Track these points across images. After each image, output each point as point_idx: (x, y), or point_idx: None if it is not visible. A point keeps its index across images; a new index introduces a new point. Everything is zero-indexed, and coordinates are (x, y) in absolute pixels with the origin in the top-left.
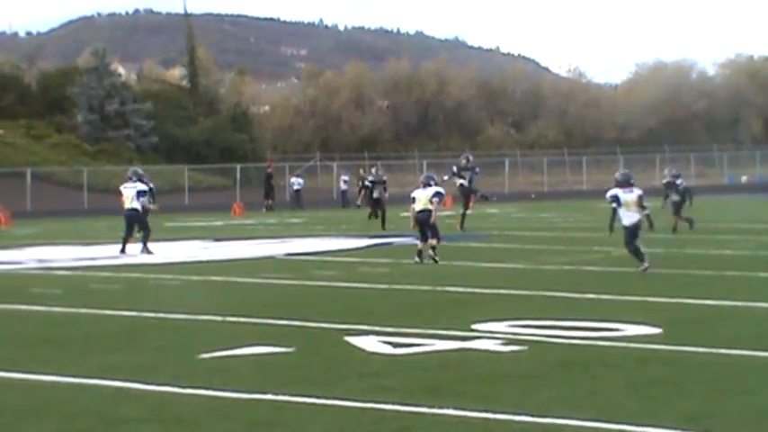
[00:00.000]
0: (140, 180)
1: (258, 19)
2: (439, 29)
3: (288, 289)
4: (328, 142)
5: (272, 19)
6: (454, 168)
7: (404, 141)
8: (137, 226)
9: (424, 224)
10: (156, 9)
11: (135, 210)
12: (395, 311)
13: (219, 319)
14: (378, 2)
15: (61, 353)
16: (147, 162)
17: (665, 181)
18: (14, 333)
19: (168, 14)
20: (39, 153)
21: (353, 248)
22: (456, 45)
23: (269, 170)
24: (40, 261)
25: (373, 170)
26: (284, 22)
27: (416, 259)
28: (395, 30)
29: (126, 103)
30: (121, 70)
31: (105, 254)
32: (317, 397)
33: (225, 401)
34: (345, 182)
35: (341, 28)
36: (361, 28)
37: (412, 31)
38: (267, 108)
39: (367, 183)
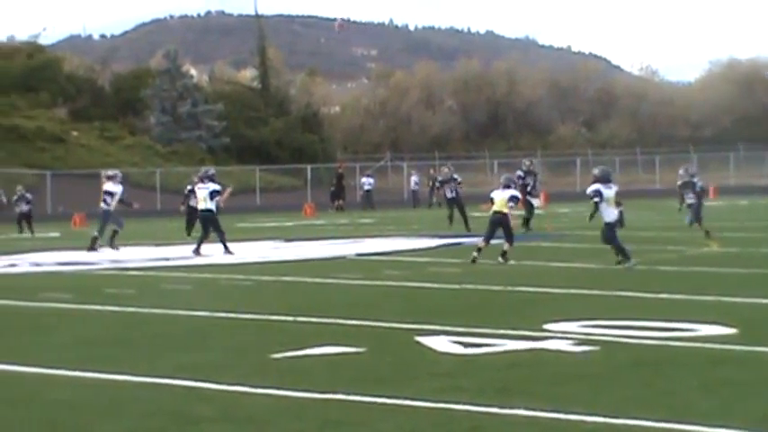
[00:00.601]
0: (212, 180)
1: (329, 20)
2: (509, 28)
3: (359, 289)
4: (398, 142)
5: (342, 19)
6: (519, 172)
7: (474, 141)
8: (210, 226)
9: (497, 226)
10: (227, 11)
11: (209, 210)
12: (466, 311)
13: (290, 319)
14: (448, 1)
15: (134, 352)
16: (218, 163)
17: (680, 182)
18: (88, 333)
19: (239, 16)
20: (112, 154)
21: (424, 248)
22: (527, 44)
23: (339, 170)
24: (114, 261)
25: (443, 169)
26: (354, 22)
27: (474, 254)
28: (465, 29)
29: (198, 105)
30: (193, 72)
31: (178, 254)
32: (388, 397)
33: (296, 401)
34: (416, 182)
35: (411, 28)
36: (432, 28)
37: (482, 31)
38: (337, 108)
39: (437, 183)
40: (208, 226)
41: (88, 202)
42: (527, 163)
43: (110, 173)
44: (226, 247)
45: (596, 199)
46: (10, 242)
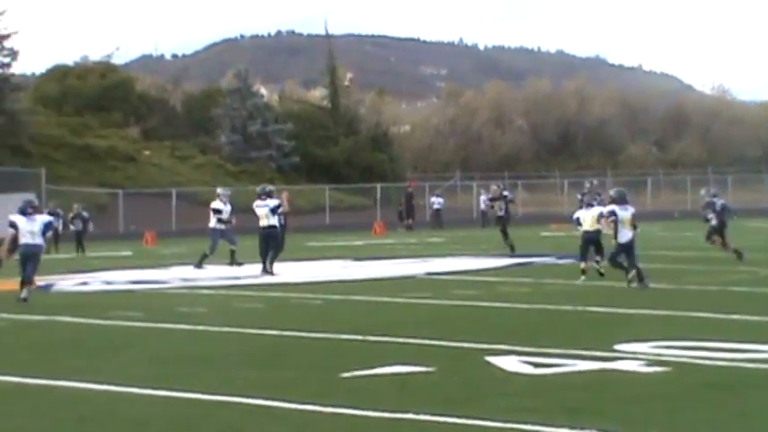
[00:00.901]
0: (270, 196)
1: (399, 39)
2: (580, 47)
3: (428, 308)
4: (468, 161)
5: (412, 39)
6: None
7: (544, 160)
8: (272, 243)
9: (591, 244)
10: (297, 30)
11: (273, 226)
12: (536, 331)
13: (360, 338)
14: (518, 21)
15: (205, 370)
16: (287, 182)
17: (704, 202)
18: (160, 351)
19: (309, 36)
20: (183, 173)
21: (494, 268)
22: (597, 63)
23: (409, 189)
24: (185, 280)
25: (492, 187)
26: (424, 41)
27: (582, 279)
28: (535, 48)
29: (268, 124)
30: (264, 91)
31: (248, 273)
32: (458, 416)
33: (366, 420)
34: (485, 201)
35: (481, 47)
36: (501, 47)
37: (552, 50)
38: (407, 128)
39: (487, 201)
40: (271, 242)
41: (159, 221)
42: (588, 185)
43: (219, 191)
44: (267, 268)
45: (612, 217)
46: (81, 261)
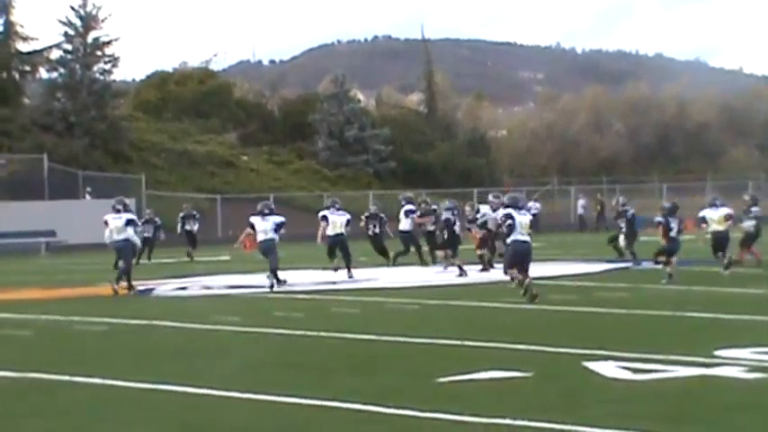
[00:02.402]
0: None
1: (495, 43)
2: (679, 50)
3: (525, 313)
4: (565, 166)
5: (509, 43)
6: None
7: (643, 164)
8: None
9: (723, 242)
10: (394, 35)
11: (342, 234)
12: (634, 337)
13: (457, 343)
14: (616, 24)
15: (304, 375)
16: (384, 187)
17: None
18: (259, 356)
19: (406, 40)
20: (281, 179)
21: (591, 273)
22: (697, 66)
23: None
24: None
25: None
26: (521, 45)
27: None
28: (634, 52)
29: (365, 129)
30: (360, 96)
31: (345, 278)
32: (556, 422)
33: (464, 426)
34: (583, 206)
35: (578, 51)
36: (599, 51)
37: (651, 53)
38: (504, 132)
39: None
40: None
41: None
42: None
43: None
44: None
45: (509, 221)
46: (180, 265)
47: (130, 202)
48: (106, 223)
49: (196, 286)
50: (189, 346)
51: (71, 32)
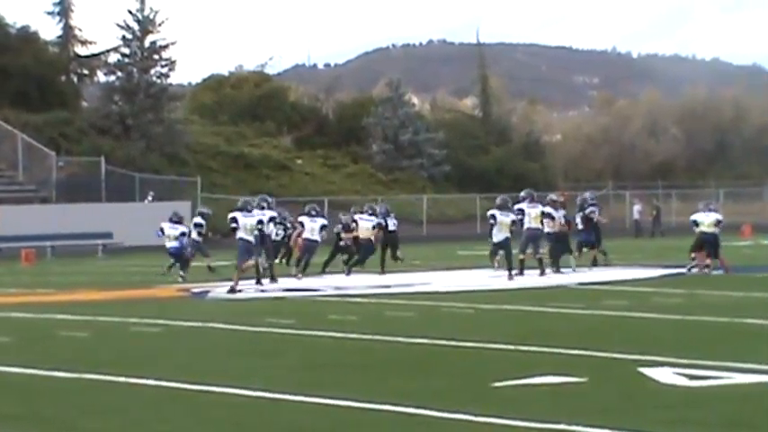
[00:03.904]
0: (374, 213)
1: (550, 47)
2: (736, 55)
3: (580, 318)
4: (621, 170)
5: (564, 47)
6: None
7: (699, 169)
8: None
9: (709, 243)
10: (449, 39)
11: (315, 240)
12: (690, 343)
13: (511, 347)
14: (672, 28)
15: (357, 378)
16: (438, 191)
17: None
18: (312, 358)
19: (461, 44)
20: (335, 182)
21: (646, 278)
22: (754, 71)
23: (561, 199)
24: (337, 288)
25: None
26: (576, 50)
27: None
28: (690, 56)
29: (419, 133)
30: (415, 100)
31: (399, 282)
32: (611, 428)
33: (518, 430)
34: (638, 210)
35: (634, 55)
36: (655, 55)
37: (708, 58)
38: (559, 137)
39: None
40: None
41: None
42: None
43: (203, 210)
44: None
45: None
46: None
47: (185, 205)
48: (302, 224)
49: (251, 289)
50: (243, 348)
51: (129, 36)
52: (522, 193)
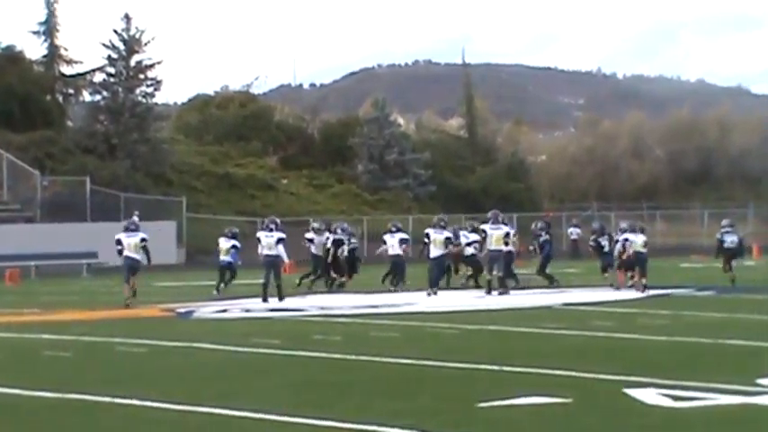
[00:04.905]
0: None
1: (536, 68)
2: (721, 77)
3: (565, 339)
4: (605, 191)
5: (549, 68)
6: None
7: (683, 191)
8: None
9: (642, 262)
10: (434, 60)
11: (271, 256)
12: (675, 364)
13: (496, 368)
14: (657, 50)
15: (343, 399)
16: (424, 211)
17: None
18: (298, 378)
19: (447, 65)
20: (320, 202)
21: (631, 299)
22: (739, 93)
23: (546, 219)
24: (322, 308)
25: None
26: (562, 71)
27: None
28: (675, 77)
29: (405, 153)
30: (401, 120)
31: (384, 302)
32: None
33: None
34: (579, 232)
35: (619, 76)
36: (640, 76)
37: (692, 79)
38: (544, 157)
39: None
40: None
41: (296, 250)
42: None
43: (314, 224)
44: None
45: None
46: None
47: (171, 225)
48: (259, 240)
49: (236, 309)
50: (228, 368)
51: (114, 56)
52: (489, 214)
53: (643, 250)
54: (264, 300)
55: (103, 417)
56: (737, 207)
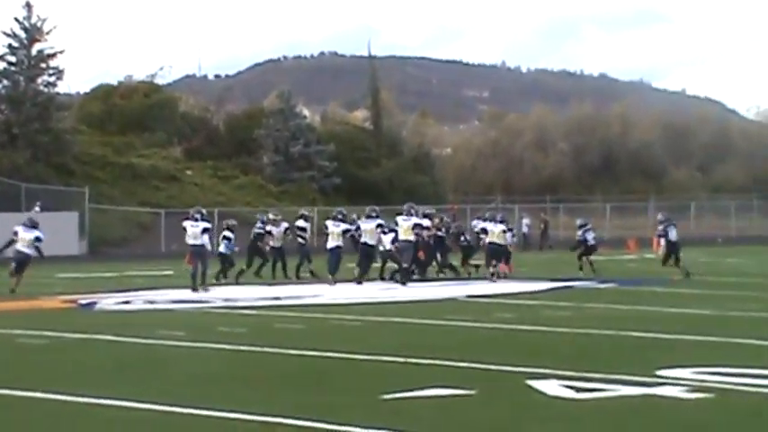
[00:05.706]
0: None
1: (440, 61)
2: (623, 71)
3: (469, 331)
4: (510, 184)
5: (454, 61)
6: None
7: (586, 184)
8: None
9: (500, 253)
10: (340, 52)
11: (198, 245)
12: (577, 355)
13: (400, 360)
14: (561, 44)
15: (247, 391)
16: (329, 203)
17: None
18: (202, 370)
19: (352, 57)
20: (225, 194)
21: (535, 291)
22: (641, 87)
23: (452, 212)
24: (226, 300)
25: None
26: (466, 64)
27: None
28: (578, 72)
29: (310, 145)
30: (306, 112)
31: (289, 293)
32: None
33: None
34: (527, 224)
35: (523, 70)
36: (544, 70)
37: (596, 74)
38: (449, 150)
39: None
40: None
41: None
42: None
43: (304, 212)
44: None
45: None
46: (124, 279)
47: (73, 216)
48: (185, 229)
49: (139, 300)
50: (131, 361)
51: (15, 44)
52: (405, 206)
53: (498, 241)
54: (194, 290)
55: (1, 411)
56: (639, 200)
